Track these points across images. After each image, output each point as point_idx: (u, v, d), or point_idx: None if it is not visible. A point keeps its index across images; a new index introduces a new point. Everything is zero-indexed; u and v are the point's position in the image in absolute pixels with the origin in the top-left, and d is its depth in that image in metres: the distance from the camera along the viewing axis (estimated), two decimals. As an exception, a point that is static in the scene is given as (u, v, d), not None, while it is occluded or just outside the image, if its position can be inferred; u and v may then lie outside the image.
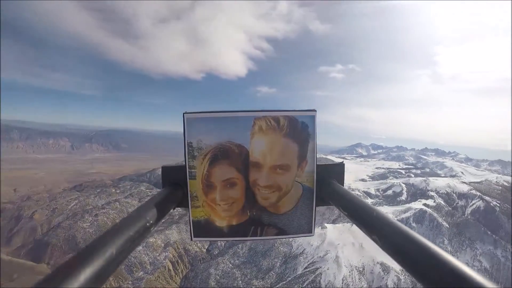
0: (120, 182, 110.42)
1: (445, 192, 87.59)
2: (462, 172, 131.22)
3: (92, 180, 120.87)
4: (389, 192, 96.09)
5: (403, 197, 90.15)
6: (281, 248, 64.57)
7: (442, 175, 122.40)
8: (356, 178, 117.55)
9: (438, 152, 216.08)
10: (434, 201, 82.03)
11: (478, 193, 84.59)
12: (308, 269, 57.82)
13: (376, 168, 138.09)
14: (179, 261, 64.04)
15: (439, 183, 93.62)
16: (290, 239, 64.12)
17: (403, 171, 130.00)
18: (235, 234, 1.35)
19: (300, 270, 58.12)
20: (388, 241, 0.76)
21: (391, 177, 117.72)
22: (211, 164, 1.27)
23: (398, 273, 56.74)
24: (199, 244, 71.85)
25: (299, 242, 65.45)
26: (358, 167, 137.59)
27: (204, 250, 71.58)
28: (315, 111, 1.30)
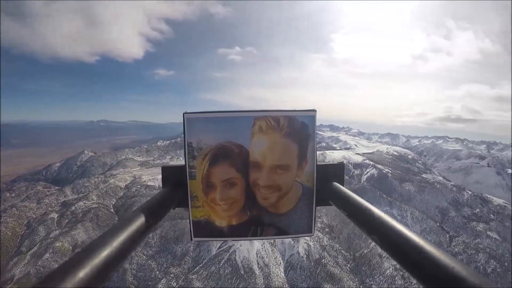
0: (15, 183, 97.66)
1: None
2: (355, 145, 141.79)
3: None
4: None
5: None
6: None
7: (338, 148, 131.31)
8: None
9: (333, 128, 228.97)
10: None
11: (371, 162, 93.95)
12: (222, 249, 58.72)
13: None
14: None
15: (335, 155, 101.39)
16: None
17: None
18: (235, 234, 1.35)
19: (214, 251, 58.77)
20: (388, 241, 0.76)
21: None
22: (211, 164, 1.26)
23: (308, 240, 61.22)
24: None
25: None
26: None
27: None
28: (315, 111, 1.30)
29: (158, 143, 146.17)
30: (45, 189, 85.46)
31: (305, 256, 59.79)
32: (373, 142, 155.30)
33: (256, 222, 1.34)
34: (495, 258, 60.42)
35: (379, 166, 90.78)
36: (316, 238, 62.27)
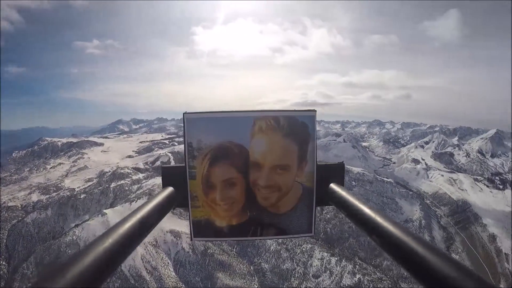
0: None
1: None
2: None
3: None
4: (158, 163, 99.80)
5: (172, 165, 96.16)
6: (70, 249, 58.80)
7: None
8: (123, 155, 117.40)
9: None
10: None
11: None
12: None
13: (140, 142, 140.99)
14: None
15: None
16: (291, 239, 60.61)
17: (167, 141, 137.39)
18: (235, 234, 1.36)
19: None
20: (388, 241, 0.77)
21: (156, 149, 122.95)
22: (211, 164, 1.28)
23: (189, 235, 61.37)
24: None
25: (82, 235, 61.62)
26: (122, 144, 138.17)
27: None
28: (315, 111, 1.31)
29: (14, 155, 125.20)
30: None
31: (190, 250, 59.65)
32: None
33: (256, 222, 1.35)
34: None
35: None
36: None
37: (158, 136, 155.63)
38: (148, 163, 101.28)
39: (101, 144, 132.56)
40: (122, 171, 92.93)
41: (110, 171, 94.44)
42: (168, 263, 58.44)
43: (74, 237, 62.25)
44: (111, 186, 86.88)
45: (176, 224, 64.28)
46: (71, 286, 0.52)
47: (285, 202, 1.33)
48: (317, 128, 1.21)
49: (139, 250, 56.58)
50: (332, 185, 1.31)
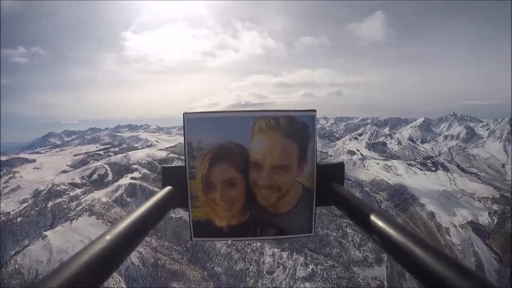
0: None
1: (147, 162, 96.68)
2: (157, 141, 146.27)
3: None
4: (95, 176, 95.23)
5: (110, 177, 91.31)
6: (14, 280, 54.39)
7: (140, 148, 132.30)
8: (57, 171, 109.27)
9: (131, 127, 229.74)
10: (140, 173, 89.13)
11: (176, 155, 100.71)
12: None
13: (74, 155, 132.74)
14: None
15: (139, 155, 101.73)
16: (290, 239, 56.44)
17: (102, 152, 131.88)
18: (235, 234, 1.35)
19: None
20: (388, 241, 0.76)
21: (92, 161, 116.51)
22: (211, 164, 1.28)
23: (137, 248, 59.66)
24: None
25: (25, 262, 57.49)
26: (55, 159, 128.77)
27: None
28: (315, 111, 1.30)
29: None
30: None
31: (140, 264, 58.59)
32: (173, 136, 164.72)
33: (256, 222, 1.34)
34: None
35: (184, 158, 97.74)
36: (144, 242, 60.59)
37: (92, 148, 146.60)
38: (85, 177, 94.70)
39: (33, 161, 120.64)
40: (58, 188, 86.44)
41: (45, 189, 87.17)
42: (120, 280, 56.17)
43: (16, 265, 57.28)
44: (48, 205, 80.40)
45: None
46: (71, 286, 0.52)
47: (285, 202, 1.34)
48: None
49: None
50: (332, 185, 1.31)
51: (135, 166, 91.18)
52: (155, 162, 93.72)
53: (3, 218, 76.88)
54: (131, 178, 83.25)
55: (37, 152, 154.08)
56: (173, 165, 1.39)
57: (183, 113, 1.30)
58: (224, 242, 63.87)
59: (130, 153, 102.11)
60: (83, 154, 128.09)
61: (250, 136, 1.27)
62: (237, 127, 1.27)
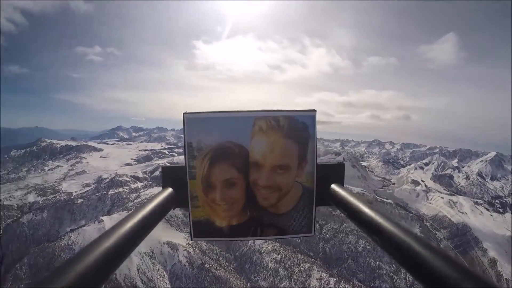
0: None
1: None
2: None
3: None
4: (156, 173, 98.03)
5: None
6: (64, 254, 57.62)
7: None
8: (122, 162, 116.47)
9: None
10: None
11: None
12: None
13: (140, 150, 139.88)
14: None
15: None
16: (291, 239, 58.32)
17: (166, 151, 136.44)
18: (235, 234, 1.35)
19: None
20: (389, 242, 0.77)
21: (155, 158, 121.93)
22: (211, 164, 1.27)
23: (186, 247, 60.18)
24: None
25: (78, 240, 60.81)
26: (121, 151, 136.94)
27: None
28: (315, 111, 1.30)
29: (12, 153, 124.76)
30: None
31: (187, 264, 58.40)
32: None
33: (256, 222, 1.34)
34: (363, 238, 68.69)
35: None
36: (194, 244, 60.94)
37: (157, 146, 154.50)
38: (147, 172, 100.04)
39: (100, 150, 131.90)
40: (120, 178, 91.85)
41: (108, 178, 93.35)
42: (164, 275, 57.18)
43: (69, 241, 61.11)
44: (109, 193, 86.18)
45: (173, 236, 63.70)
46: (71, 286, 0.52)
47: (285, 202, 1.32)
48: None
49: (135, 260, 55.69)
50: (333, 185, 1.29)
51: None
52: None
53: (65, 197, 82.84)
54: None
55: (105, 143, 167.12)
56: (173, 165, 1.38)
57: (183, 113, 1.29)
58: (274, 256, 63.12)
59: None
60: (148, 150, 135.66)
61: (250, 136, 1.27)
62: (237, 127, 1.27)
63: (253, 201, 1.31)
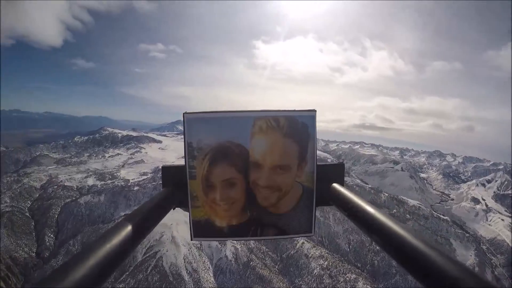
0: None
1: None
2: None
3: None
4: None
5: None
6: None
7: None
8: (179, 155, 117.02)
9: None
10: None
11: None
12: (147, 255, 56.21)
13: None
14: (9, 274, 54.01)
15: None
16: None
17: None
18: (235, 234, 1.34)
19: (140, 258, 56.02)
20: (389, 241, 0.77)
21: None
22: (211, 164, 1.27)
23: (234, 243, 60.81)
24: (25, 249, 61.60)
25: None
26: (179, 144, 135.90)
27: (33, 254, 61.53)
28: (315, 111, 1.30)
29: (75, 139, 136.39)
30: None
31: (233, 259, 59.12)
32: None
33: (256, 222, 1.34)
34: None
35: None
36: (243, 241, 61.33)
37: None
38: None
39: (159, 141, 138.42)
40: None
41: None
42: (209, 267, 58.55)
43: None
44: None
45: None
46: (71, 286, 0.52)
47: (285, 202, 1.32)
48: (374, 153, 1.25)
49: (183, 250, 57.88)
50: (333, 185, 1.28)
51: None
52: None
53: (122, 183, 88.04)
54: None
55: (164, 135, 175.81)
56: (173, 165, 1.39)
57: (183, 113, 1.28)
58: (320, 263, 61.90)
59: None
60: None
61: (250, 136, 1.26)
62: (237, 127, 1.26)
63: (253, 201, 1.30)
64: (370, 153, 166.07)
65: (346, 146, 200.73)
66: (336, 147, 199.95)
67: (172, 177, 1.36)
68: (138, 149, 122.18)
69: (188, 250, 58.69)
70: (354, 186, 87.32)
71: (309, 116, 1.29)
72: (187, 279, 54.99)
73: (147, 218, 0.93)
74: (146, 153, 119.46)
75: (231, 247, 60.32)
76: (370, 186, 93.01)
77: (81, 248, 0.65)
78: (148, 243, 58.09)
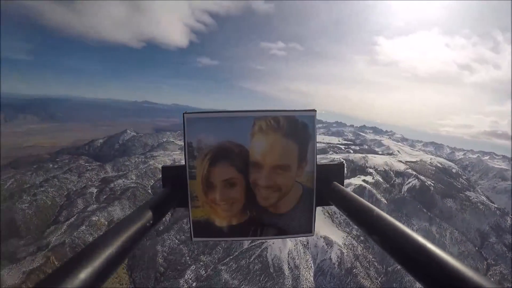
0: (58, 155, 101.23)
1: (383, 170, 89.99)
2: (398, 151, 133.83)
3: (28, 154, 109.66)
4: None
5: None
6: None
7: (380, 153, 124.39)
8: None
9: (376, 130, 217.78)
10: (373, 178, 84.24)
11: (414, 172, 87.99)
12: (254, 244, 58.20)
13: (317, 142, 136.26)
14: None
15: (377, 160, 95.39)
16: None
17: (342, 147, 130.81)
18: (235, 234, 1.35)
19: (246, 245, 58.46)
20: (388, 241, 0.77)
21: (331, 152, 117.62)
22: (211, 164, 1.27)
23: (341, 247, 59.47)
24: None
25: None
26: None
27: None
28: (315, 111, 1.30)
29: None
30: (86, 164, 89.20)
31: (337, 263, 58.02)
32: (416, 150, 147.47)
33: (256, 222, 1.34)
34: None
35: (422, 177, 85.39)
36: (350, 246, 60.67)
37: (334, 140, 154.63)
38: None
39: None
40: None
41: None
42: (311, 267, 58.32)
43: None
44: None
45: (332, 232, 63.94)
46: (72, 286, 0.52)
47: (285, 202, 1.32)
48: (505, 167, 1.17)
49: (289, 244, 58.78)
50: (332, 185, 1.29)
51: (371, 170, 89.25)
52: (391, 172, 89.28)
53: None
54: (363, 180, 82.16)
55: None
56: (173, 165, 1.38)
57: (183, 113, 1.29)
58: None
59: (369, 155, 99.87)
60: (325, 143, 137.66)
61: (250, 136, 1.26)
62: (237, 127, 1.27)
63: (253, 201, 1.30)
64: (501, 166, 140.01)
65: (474, 156, 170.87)
66: (463, 156, 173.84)
67: (172, 177, 1.34)
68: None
69: (294, 245, 59.27)
70: (478, 204, 76.57)
71: (309, 116, 1.28)
72: (287, 274, 55.60)
73: (147, 219, 0.93)
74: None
75: (337, 250, 59.14)
76: (496, 206, 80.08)
77: (81, 248, 0.64)
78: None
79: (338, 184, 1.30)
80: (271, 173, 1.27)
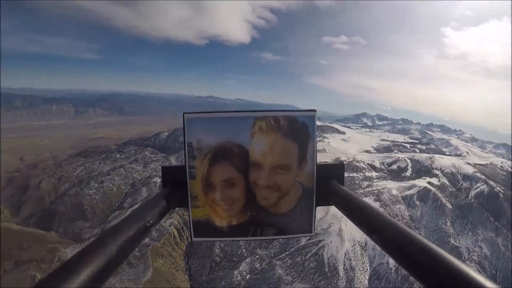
0: (125, 146, 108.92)
1: (450, 172, 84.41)
2: (467, 152, 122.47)
3: (97, 145, 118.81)
4: (394, 166, 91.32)
5: (408, 173, 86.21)
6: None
7: (447, 153, 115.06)
8: (361, 149, 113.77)
9: (444, 129, 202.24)
10: (439, 180, 79.61)
11: (483, 177, 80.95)
12: (311, 241, 58.31)
13: (381, 140, 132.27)
14: (184, 228, 64.12)
15: (444, 161, 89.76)
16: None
17: (408, 146, 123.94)
18: (235, 234, 1.35)
19: (303, 242, 58.51)
20: (388, 241, 0.77)
21: (396, 151, 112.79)
22: (211, 164, 1.27)
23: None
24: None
25: None
26: (363, 137, 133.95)
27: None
28: (315, 111, 1.30)
29: None
30: (152, 155, 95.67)
31: (393, 268, 56.60)
32: (486, 152, 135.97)
33: (256, 222, 1.34)
34: None
35: (491, 183, 78.23)
36: None
37: (400, 138, 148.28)
38: (384, 163, 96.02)
39: (343, 133, 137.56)
40: (357, 164, 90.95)
41: (345, 161, 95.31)
42: (367, 270, 57.33)
43: None
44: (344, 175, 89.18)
45: None
46: (72, 286, 0.52)
47: (285, 202, 1.33)
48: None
49: (347, 245, 58.28)
50: (332, 185, 1.30)
51: (437, 172, 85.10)
52: (459, 175, 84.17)
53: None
54: (428, 182, 78.34)
55: (348, 127, 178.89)
56: (173, 165, 1.40)
57: (183, 113, 1.29)
58: None
59: (436, 156, 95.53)
60: (390, 141, 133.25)
61: (250, 136, 1.27)
62: (237, 127, 1.27)
63: (253, 201, 1.31)
64: None
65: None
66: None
67: (172, 177, 1.35)
68: (321, 138, 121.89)
69: (352, 246, 58.60)
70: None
71: (309, 116, 1.28)
72: (341, 275, 55.31)
73: (147, 219, 0.93)
74: (329, 143, 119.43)
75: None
76: None
77: (81, 248, 0.64)
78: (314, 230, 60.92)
79: (338, 184, 1.31)
80: (271, 173, 1.28)
